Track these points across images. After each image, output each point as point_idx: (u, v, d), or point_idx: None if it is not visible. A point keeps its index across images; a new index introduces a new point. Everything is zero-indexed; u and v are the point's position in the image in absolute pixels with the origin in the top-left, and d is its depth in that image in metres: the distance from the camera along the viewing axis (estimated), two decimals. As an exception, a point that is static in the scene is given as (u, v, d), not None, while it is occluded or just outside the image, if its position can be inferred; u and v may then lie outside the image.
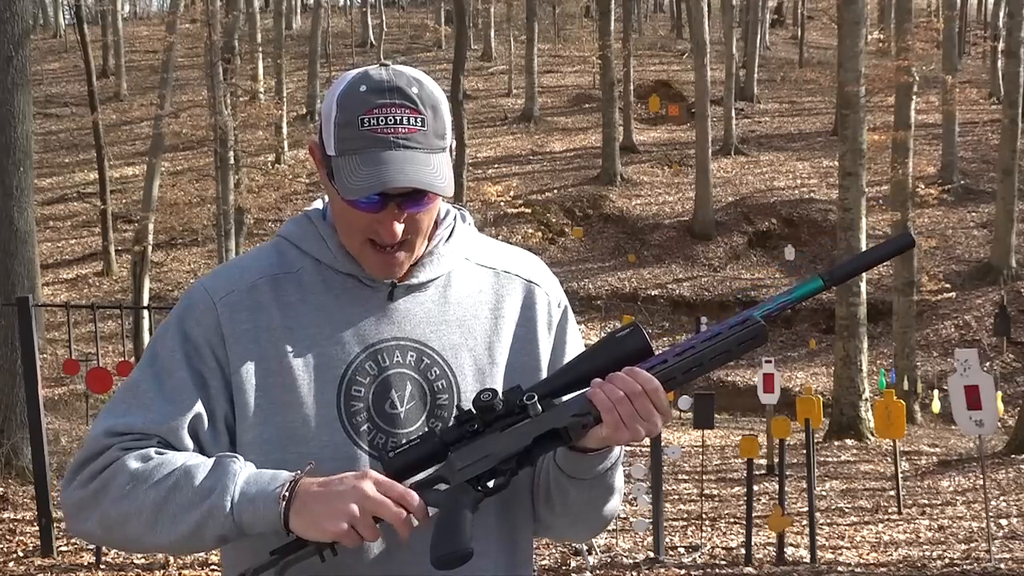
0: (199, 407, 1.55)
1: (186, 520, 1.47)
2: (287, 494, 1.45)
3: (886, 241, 1.59)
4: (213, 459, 1.51)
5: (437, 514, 1.50)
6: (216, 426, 1.57)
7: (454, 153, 1.62)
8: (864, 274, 15.35)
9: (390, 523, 1.45)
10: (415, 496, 1.46)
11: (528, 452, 1.52)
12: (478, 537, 1.62)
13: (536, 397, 1.52)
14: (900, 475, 10.26)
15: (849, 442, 14.56)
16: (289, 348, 1.58)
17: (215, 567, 7.05)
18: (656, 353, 1.54)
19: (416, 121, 1.53)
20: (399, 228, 1.55)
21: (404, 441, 1.53)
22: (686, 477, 11.66)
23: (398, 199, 1.53)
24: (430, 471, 1.53)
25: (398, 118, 1.52)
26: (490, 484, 1.52)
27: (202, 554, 7.33)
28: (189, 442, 1.55)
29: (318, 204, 1.71)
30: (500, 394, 1.52)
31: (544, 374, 1.67)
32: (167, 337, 1.60)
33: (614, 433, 1.49)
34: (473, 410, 1.52)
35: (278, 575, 1.47)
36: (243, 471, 1.49)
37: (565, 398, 1.54)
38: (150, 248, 22.06)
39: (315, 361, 1.59)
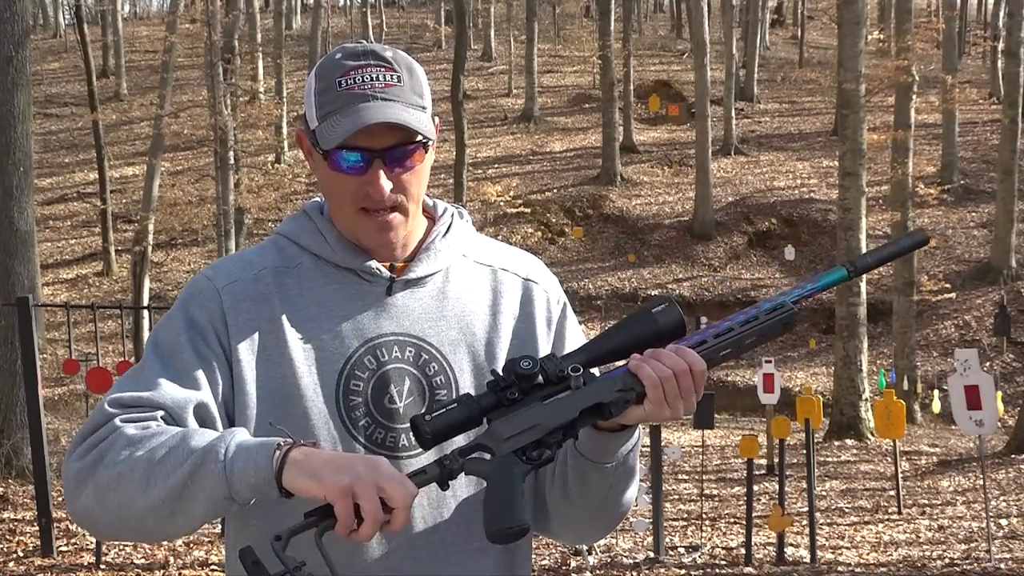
0: (205, 388, 1.54)
1: (177, 474, 1.42)
2: (282, 443, 1.40)
3: (902, 236, 1.65)
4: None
5: (487, 486, 1.46)
6: (219, 411, 1.56)
7: (435, 122, 1.63)
8: (863, 274, 15.56)
9: (393, 504, 1.36)
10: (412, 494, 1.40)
11: (573, 424, 1.50)
12: (477, 533, 1.62)
13: (581, 369, 1.50)
14: (900, 475, 10.26)
15: (849, 442, 14.56)
16: (290, 340, 1.58)
17: (215, 567, 7.05)
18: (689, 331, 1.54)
19: (392, 78, 1.57)
20: (387, 184, 1.56)
21: (437, 406, 1.47)
22: (686, 477, 11.66)
23: (382, 154, 1.55)
24: (470, 439, 1.50)
25: (374, 75, 1.56)
26: (536, 456, 1.49)
27: (202, 554, 7.33)
28: (194, 422, 1.52)
29: (317, 199, 1.72)
30: (539, 364, 1.49)
31: None
32: (171, 323, 1.59)
33: (656, 410, 1.48)
34: (511, 377, 1.49)
35: (319, 535, 1.38)
36: (244, 432, 1.47)
37: (598, 370, 1.54)
38: (150, 248, 22.07)
39: (315, 355, 1.59)
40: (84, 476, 1.48)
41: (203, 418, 1.53)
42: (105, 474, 1.46)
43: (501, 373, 1.49)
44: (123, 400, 1.52)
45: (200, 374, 1.54)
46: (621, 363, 1.53)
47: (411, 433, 1.49)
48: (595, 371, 1.54)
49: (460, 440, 1.54)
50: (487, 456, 1.47)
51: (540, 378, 1.49)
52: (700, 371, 1.49)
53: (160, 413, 1.50)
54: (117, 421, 1.49)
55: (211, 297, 1.59)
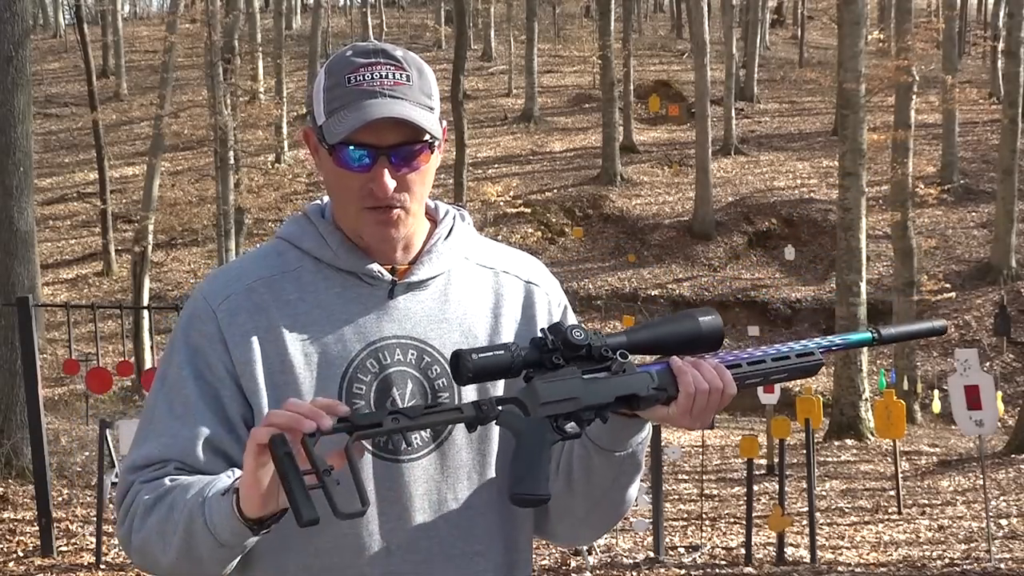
0: (211, 422, 1.56)
1: (179, 532, 1.48)
2: (238, 486, 1.43)
3: (926, 320, 1.77)
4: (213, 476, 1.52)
5: (517, 445, 1.47)
6: (238, 432, 1.57)
7: (443, 124, 1.63)
8: (864, 273, 15.50)
9: (292, 410, 1.38)
10: (336, 406, 1.41)
11: (605, 407, 1.52)
12: (478, 536, 1.62)
13: (628, 355, 1.53)
14: (900, 475, 10.26)
15: (849, 442, 14.56)
16: (291, 346, 1.59)
17: (215, 567, 7.04)
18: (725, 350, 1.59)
19: (402, 76, 1.57)
20: (391, 183, 1.56)
21: (481, 348, 1.48)
22: (686, 477, 11.65)
23: (387, 152, 1.55)
24: (507, 392, 1.53)
25: (383, 73, 1.57)
26: (567, 428, 1.51)
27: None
28: (205, 458, 1.55)
29: (318, 202, 1.72)
30: (588, 336, 1.51)
31: None
32: (175, 354, 1.61)
33: (679, 416, 1.51)
34: (559, 343, 1.50)
35: (351, 441, 1.39)
36: (228, 477, 1.50)
37: (636, 360, 1.56)
38: (150, 248, 22.05)
39: (317, 358, 1.59)
40: (126, 542, 1.57)
41: (214, 449, 1.56)
42: (136, 540, 1.54)
43: (549, 334, 1.50)
44: (137, 464, 1.57)
45: (205, 406, 1.56)
46: (652, 360, 1.56)
47: (451, 368, 1.49)
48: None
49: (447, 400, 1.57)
50: (521, 414, 1.49)
51: (583, 351, 1.51)
52: (730, 395, 1.54)
53: (172, 464, 1.54)
54: (136, 485, 1.56)
55: (208, 319, 1.60)
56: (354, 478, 1.36)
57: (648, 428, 1.61)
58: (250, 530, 1.42)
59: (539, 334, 1.52)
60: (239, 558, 1.56)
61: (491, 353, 1.46)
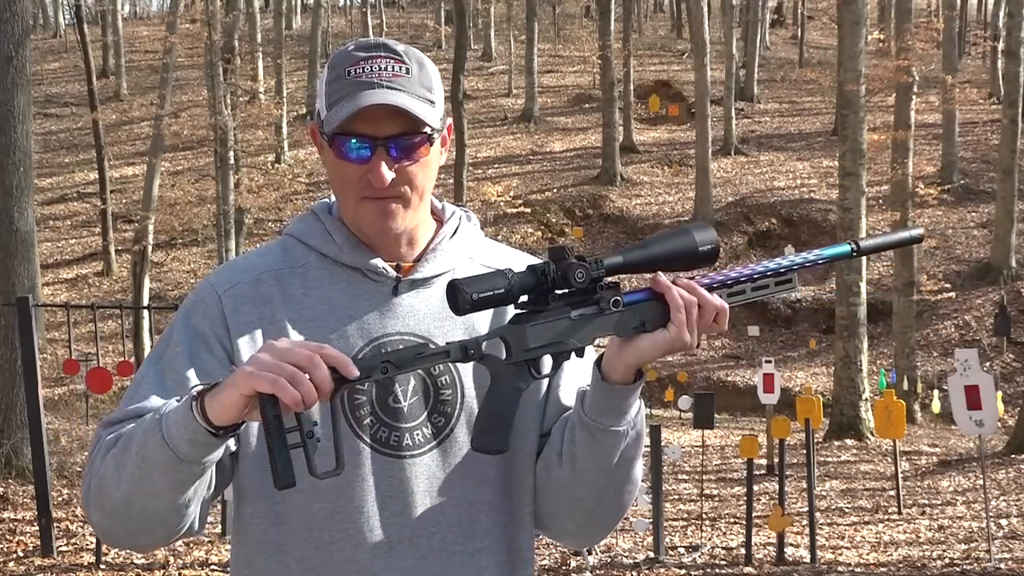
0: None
1: (132, 458, 1.44)
2: (197, 390, 1.41)
3: (902, 231, 1.72)
4: None
5: (489, 391, 1.50)
6: None
7: (444, 122, 1.63)
8: (864, 273, 15.46)
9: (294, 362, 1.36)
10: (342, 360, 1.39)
11: (583, 350, 1.55)
12: (479, 534, 1.62)
13: (621, 298, 1.55)
14: (900, 475, 10.26)
15: (849, 442, 14.56)
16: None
17: (215, 567, 7.05)
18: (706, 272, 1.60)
19: (401, 69, 1.58)
20: (388, 174, 1.56)
21: (480, 282, 1.47)
22: (686, 477, 11.66)
23: (385, 143, 1.56)
24: (494, 329, 1.56)
25: (382, 65, 1.58)
26: (541, 371, 1.53)
27: (202, 554, 7.33)
28: None
29: (325, 200, 1.73)
30: (589, 275, 1.52)
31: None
32: (174, 333, 1.61)
33: (678, 333, 1.52)
34: (558, 279, 1.51)
35: (335, 393, 1.39)
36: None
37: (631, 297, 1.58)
38: (150, 248, 22.05)
39: None
40: (85, 494, 1.52)
41: None
42: (94, 484, 1.50)
43: (552, 262, 1.52)
44: (112, 419, 1.55)
45: (193, 382, 1.54)
46: (640, 293, 1.58)
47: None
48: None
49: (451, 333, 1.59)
50: (502, 357, 1.51)
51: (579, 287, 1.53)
52: (724, 312, 1.54)
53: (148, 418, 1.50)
54: (105, 436, 1.52)
55: (213, 304, 1.60)
56: (334, 441, 1.40)
57: (637, 388, 1.58)
58: (211, 434, 1.39)
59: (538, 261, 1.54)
60: (198, 507, 1.52)
61: (490, 292, 1.47)
